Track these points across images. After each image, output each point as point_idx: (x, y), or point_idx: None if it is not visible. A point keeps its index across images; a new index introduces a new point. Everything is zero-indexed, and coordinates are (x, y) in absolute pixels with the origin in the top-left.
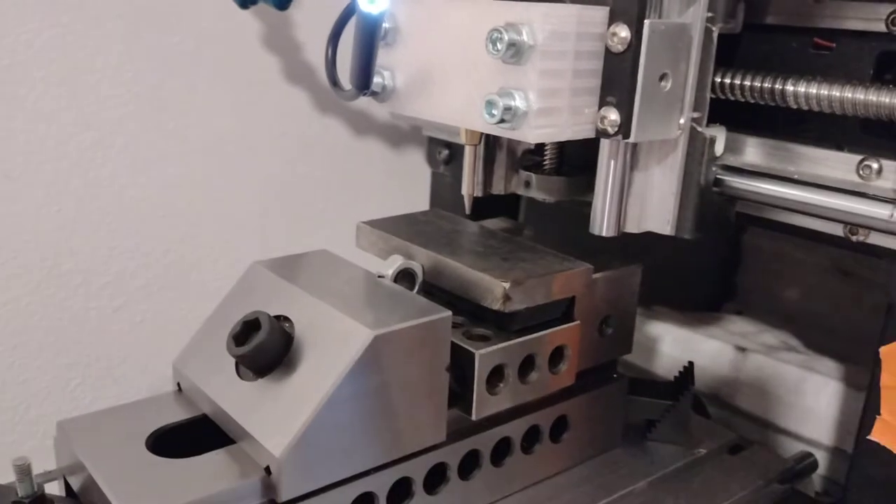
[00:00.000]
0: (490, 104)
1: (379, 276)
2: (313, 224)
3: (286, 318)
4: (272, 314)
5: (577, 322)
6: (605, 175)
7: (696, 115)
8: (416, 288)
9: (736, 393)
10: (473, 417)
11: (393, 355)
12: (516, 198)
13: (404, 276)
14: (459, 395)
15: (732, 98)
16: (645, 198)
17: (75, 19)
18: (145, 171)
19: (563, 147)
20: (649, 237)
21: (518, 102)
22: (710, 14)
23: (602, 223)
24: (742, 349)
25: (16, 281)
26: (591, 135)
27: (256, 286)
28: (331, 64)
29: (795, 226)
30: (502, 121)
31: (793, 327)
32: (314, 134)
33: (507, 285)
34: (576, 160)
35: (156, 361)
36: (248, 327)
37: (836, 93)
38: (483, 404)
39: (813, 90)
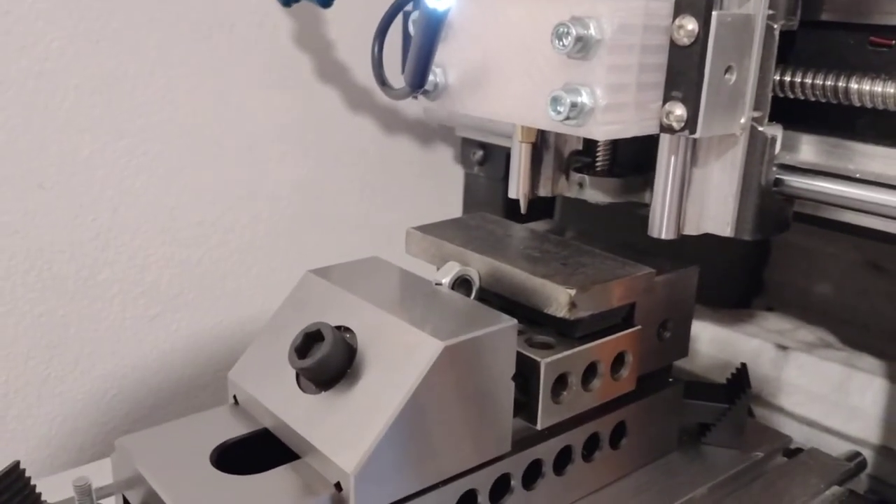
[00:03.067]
0: (556, 101)
1: (436, 284)
2: (347, 227)
3: (347, 329)
4: (332, 324)
5: (639, 327)
6: (664, 173)
7: (756, 114)
8: (473, 295)
9: (778, 392)
10: (539, 427)
11: (461, 366)
12: (551, 199)
13: (461, 283)
14: (523, 403)
15: (791, 96)
16: (704, 199)
17: (108, 25)
18: (180, 179)
19: (615, 147)
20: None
21: (585, 99)
22: (771, 11)
23: (661, 225)
24: (783, 347)
25: (51, 292)
26: (657, 131)
27: (312, 296)
28: (377, 62)
29: (837, 221)
30: (568, 118)
31: (826, 323)
32: (346, 138)
33: (572, 292)
34: (628, 160)
35: (192, 370)
36: (311, 339)
37: None
38: (548, 413)
39: (878, 88)
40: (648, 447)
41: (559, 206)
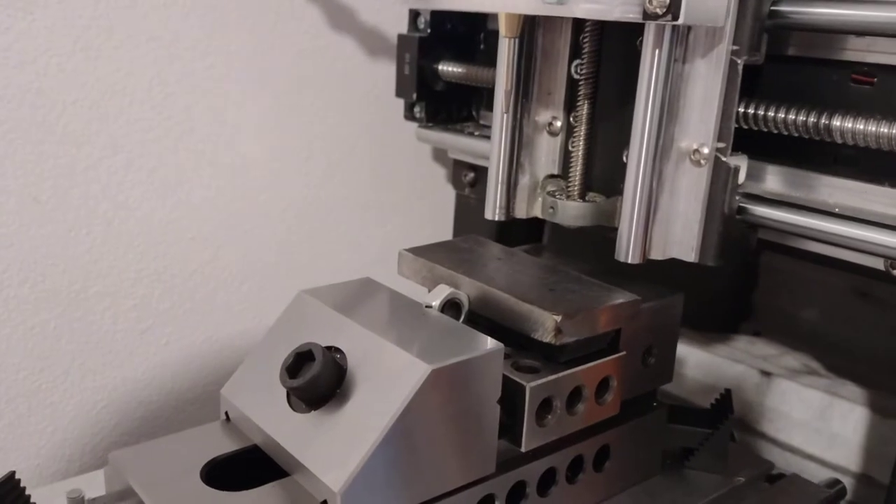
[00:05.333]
0: None
1: (426, 307)
2: (339, 245)
3: (337, 350)
4: (323, 345)
5: (623, 353)
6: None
7: (720, 145)
8: (462, 318)
9: (761, 418)
10: (523, 449)
11: (448, 389)
12: (540, 222)
13: (450, 306)
14: (508, 426)
15: (775, 132)
16: (670, 225)
17: (106, 42)
18: (174, 194)
19: (587, 171)
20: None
21: None
22: (735, 47)
23: (628, 249)
24: (767, 373)
25: (44, 304)
26: (640, 18)
27: (305, 316)
28: None
29: (823, 255)
30: None
31: (812, 349)
32: (340, 157)
33: (558, 318)
34: (601, 186)
35: (181, 384)
36: (301, 359)
37: (884, 129)
38: (532, 436)
39: (860, 126)
40: (632, 470)
41: (548, 230)
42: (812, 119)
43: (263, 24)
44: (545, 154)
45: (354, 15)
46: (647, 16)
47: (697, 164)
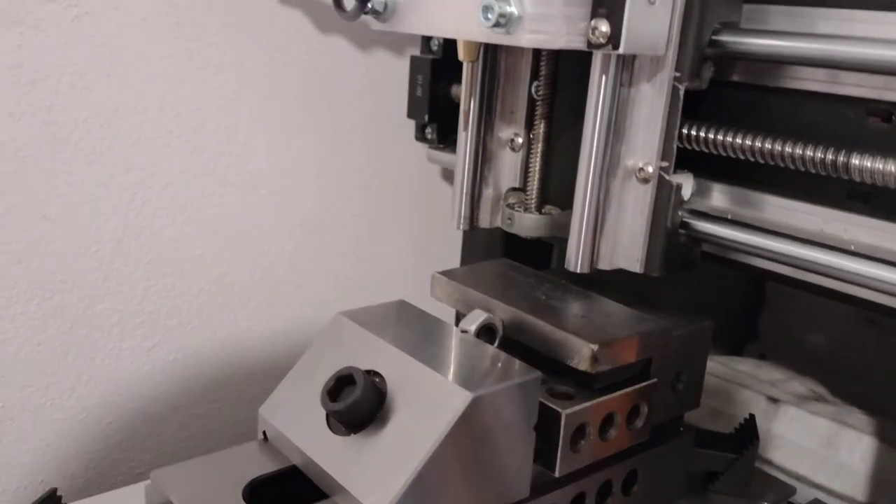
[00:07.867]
0: (486, 8)
1: (462, 331)
2: (346, 262)
3: (377, 373)
4: (362, 368)
5: (655, 380)
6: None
7: (664, 164)
8: (496, 342)
9: (768, 445)
10: (557, 475)
11: (488, 415)
12: (549, 247)
13: (485, 331)
14: (542, 451)
15: (783, 165)
16: (617, 237)
17: (119, 60)
18: (184, 212)
19: (544, 186)
20: (674, 279)
21: (513, 7)
22: (677, 74)
23: (576, 259)
24: (774, 400)
25: (52, 321)
26: (584, 46)
27: (342, 338)
28: None
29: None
30: (497, 24)
31: (818, 373)
32: (349, 175)
33: (595, 347)
34: (558, 200)
35: (187, 401)
36: (342, 382)
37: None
38: (566, 461)
39: (868, 164)
40: (658, 494)
41: (556, 254)
42: (820, 155)
43: (275, 42)
44: (507, 168)
45: (366, 35)
46: (591, 45)
47: (643, 181)
